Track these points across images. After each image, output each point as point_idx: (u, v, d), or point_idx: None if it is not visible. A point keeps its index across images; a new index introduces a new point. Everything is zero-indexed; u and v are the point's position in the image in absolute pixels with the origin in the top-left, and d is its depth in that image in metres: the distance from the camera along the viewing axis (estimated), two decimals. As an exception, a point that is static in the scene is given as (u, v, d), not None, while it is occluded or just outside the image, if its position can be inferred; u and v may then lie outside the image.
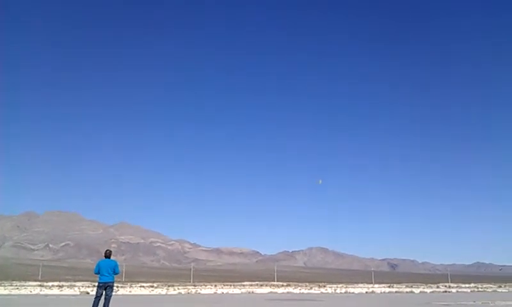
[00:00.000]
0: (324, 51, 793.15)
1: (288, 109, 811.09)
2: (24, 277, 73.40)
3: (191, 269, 77.28)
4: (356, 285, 61.98)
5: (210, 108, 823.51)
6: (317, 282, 72.88)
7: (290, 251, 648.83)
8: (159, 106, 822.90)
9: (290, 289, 48.64)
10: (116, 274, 16.22)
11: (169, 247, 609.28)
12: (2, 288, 40.23)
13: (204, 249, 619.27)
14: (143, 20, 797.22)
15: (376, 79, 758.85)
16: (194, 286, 52.21)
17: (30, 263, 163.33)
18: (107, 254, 16.56)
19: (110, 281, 16.01)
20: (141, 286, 48.28)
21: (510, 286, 62.80)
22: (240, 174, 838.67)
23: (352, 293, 45.28)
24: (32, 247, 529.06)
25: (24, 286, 44.70)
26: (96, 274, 16.15)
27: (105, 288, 15.90)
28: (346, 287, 55.50)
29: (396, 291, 49.18)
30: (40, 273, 73.63)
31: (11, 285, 45.15)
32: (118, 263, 16.72)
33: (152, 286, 48.72)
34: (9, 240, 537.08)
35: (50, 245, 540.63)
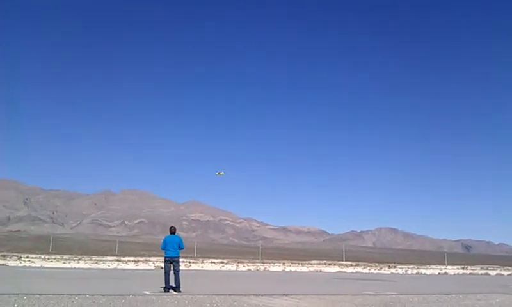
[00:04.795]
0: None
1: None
2: (102, 252, 77.64)
3: (259, 247, 78.32)
4: (428, 266, 60.38)
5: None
6: (386, 262, 71.65)
7: (359, 230, 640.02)
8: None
9: (359, 269, 48.16)
10: (181, 249, 16.56)
11: (237, 225, 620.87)
12: (83, 262, 42.77)
13: (271, 227, 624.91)
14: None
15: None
16: (263, 263, 52.96)
17: (107, 239, 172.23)
18: (172, 231, 16.97)
19: (176, 256, 16.40)
20: (211, 262, 49.64)
21: None
22: (309, 155, 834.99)
23: (424, 274, 44.09)
24: (109, 223, 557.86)
25: (102, 260, 47.28)
26: (162, 249, 16.60)
27: (172, 262, 16.30)
28: (417, 268, 54.18)
29: (470, 273, 47.39)
30: (117, 248, 77.43)
31: (90, 260, 47.92)
32: (183, 239, 17.10)
33: (222, 262, 49.94)
34: (87, 218, 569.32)
35: (126, 222, 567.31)
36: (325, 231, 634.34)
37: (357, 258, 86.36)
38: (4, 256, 48.91)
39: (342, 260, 69.23)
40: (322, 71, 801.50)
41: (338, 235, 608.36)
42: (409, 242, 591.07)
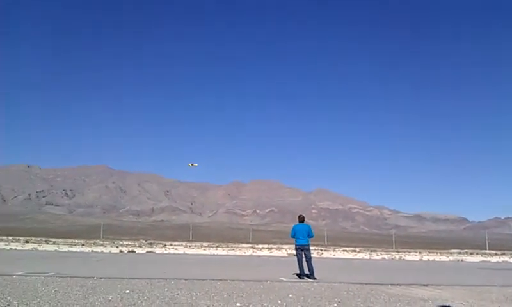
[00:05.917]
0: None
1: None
2: (237, 239, 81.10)
3: (392, 235, 75.93)
4: None
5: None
6: (538, 251, 65.15)
7: (503, 217, 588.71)
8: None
9: (505, 258, 44.41)
10: (311, 237, 16.64)
11: (367, 213, 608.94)
12: (221, 249, 45.05)
13: (404, 215, 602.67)
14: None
15: None
16: (398, 252, 51.28)
17: (241, 227, 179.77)
18: (301, 219, 17.14)
19: (306, 243, 16.52)
20: (343, 250, 49.28)
21: None
22: (443, 138, 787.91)
23: None
24: (242, 212, 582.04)
25: (238, 247, 49.40)
26: (292, 237, 16.82)
27: (303, 250, 16.45)
28: None
29: None
30: (251, 236, 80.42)
31: (227, 247, 50.31)
32: (312, 227, 17.14)
33: (355, 251, 49.33)
34: (222, 207, 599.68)
35: (257, 211, 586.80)
36: (465, 219, 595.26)
37: (502, 246, 79.66)
38: (150, 244, 53.45)
39: (485, 249, 64.36)
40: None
41: (479, 222, 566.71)
42: None
